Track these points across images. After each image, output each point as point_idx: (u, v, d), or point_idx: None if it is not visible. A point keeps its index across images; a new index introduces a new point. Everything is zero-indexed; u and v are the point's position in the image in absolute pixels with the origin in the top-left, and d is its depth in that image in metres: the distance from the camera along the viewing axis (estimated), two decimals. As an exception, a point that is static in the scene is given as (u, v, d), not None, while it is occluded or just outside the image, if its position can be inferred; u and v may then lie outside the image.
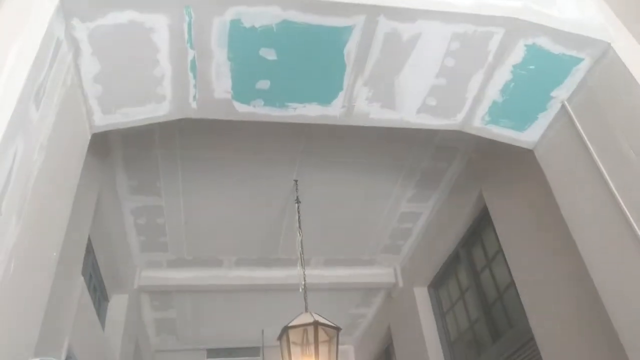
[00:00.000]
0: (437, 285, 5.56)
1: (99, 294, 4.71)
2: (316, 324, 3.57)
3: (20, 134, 1.72)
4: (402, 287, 5.94)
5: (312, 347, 3.53)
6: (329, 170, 4.55)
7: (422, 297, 5.62)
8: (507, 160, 3.92)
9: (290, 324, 3.62)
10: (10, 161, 1.63)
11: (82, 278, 3.19)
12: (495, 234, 4.30)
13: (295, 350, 3.64)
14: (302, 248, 4.15)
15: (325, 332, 3.74)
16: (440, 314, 5.46)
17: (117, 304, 4.98)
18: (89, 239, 4.10)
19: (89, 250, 4.18)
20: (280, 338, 3.74)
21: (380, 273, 6.11)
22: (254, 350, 7.63)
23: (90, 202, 3.46)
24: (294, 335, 3.65)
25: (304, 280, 3.98)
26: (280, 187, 4.66)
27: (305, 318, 3.65)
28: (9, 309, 1.68)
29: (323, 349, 3.64)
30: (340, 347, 8.07)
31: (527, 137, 3.22)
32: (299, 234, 4.23)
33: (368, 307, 6.95)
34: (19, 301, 1.78)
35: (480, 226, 4.59)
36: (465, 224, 4.70)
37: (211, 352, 7.61)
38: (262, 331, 7.21)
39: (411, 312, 5.66)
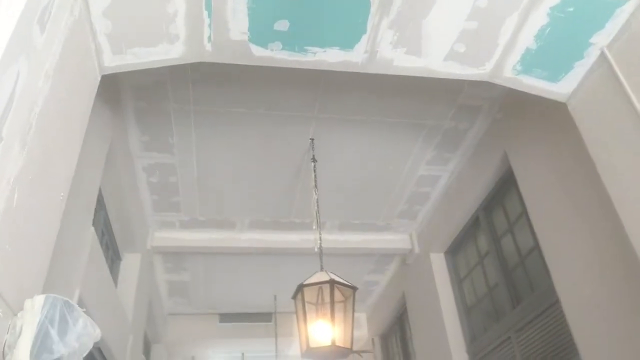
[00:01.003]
0: (454, 251, 5.44)
1: (111, 252, 4.66)
2: (332, 282, 3.47)
3: (24, 56, 1.59)
4: (418, 253, 5.83)
5: (328, 307, 3.44)
6: (346, 129, 4.39)
7: (438, 263, 5.50)
8: (534, 118, 3.74)
9: (306, 282, 3.53)
10: (13, 82, 1.51)
11: (92, 229, 3.11)
12: (519, 196, 4.14)
13: (310, 309, 3.56)
14: (317, 207, 4.04)
15: (341, 292, 3.65)
16: (457, 280, 5.35)
17: (130, 263, 4.94)
18: (101, 195, 4.03)
19: (101, 206, 4.11)
20: (295, 297, 3.66)
21: (396, 239, 6.00)
22: (267, 316, 7.63)
23: (102, 152, 3.36)
24: (309, 294, 3.57)
25: (320, 240, 3.88)
26: (295, 146, 4.52)
27: (321, 276, 3.55)
28: (13, 241, 1.58)
29: (339, 309, 3.55)
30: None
31: (561, 88, 3.03)
32: (314, 193, 4.11)
33: (382, 274, 6.86)
34: (24, 235, 1.68)
35: (503, 189, 4.43)
36: (487, 187, 4.54)
37: (223, 316, 7.62)
38: (275, 297, 7.19)
39: (427, 279, 5.56)
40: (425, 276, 5.63)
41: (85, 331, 1.76)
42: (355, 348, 7.35)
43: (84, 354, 1.79)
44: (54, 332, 1.61)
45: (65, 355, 1.63)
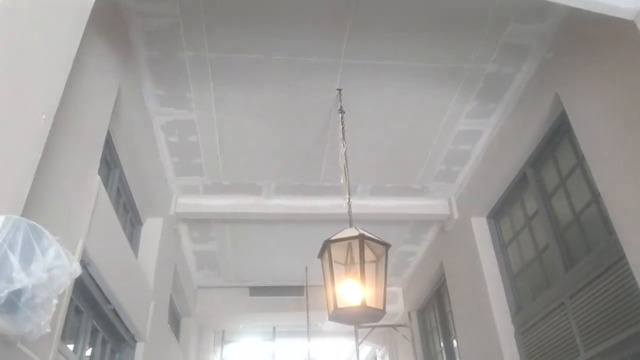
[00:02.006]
0: (497, 214, 4.99)
1: (130, 215, 4.44)
2: (362, 237, 3.12)
3: None
4: (458, 219, 5.40)
5: (358, 267, 3.09)
6: (376, 77, 3.99)
7: (480, 228, 5.06)
8: (591, 51, 3.26)
9: (333, 238, 3.19)
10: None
11: (98, 178, 2.86)
12: (573, 145, 3.69)
13: (339, 269, 3.22)
14: (346, 161, 3.68)
15: (372, 250, 3.29)
16: (501, 246, 4.91)
17: (152, 228, 4.72)
18: (115, 152, 3.80)
19: (116, 163, 3.88)
20: (321, 255, 3.33)
21: (433, 204, 5.58)
22: (298, 290, 7.36)
23: (108, 97, 3.09)
24: (336, 252, 3.22)
25: (349, 194, 3.52)
26: (322, 98, 4.16)
27: (350, 232, 3.20)
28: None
29: (370, 268, 3.19)
30: (388, 289, 7.71)
31: (629, 2, 2.55)
32: (342, 145, 3.75)
33: (417, 244, 6.47)
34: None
35: (554, 140, 3.96)
36: (536, 139, 4.07)
37: (254, 290, 7.40)
38: (306, 269, 6.91)
39: (468, 246, 5.14)
40: (465, 243, 5.21)
41: (57, 263, 1.48)
42: (390, 322, 7.03)
43: (59, 291, 1.51)
44: (14, 259, 1.33)
45: (30, 287, 1.35)
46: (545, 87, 3.79)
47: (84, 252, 2.71)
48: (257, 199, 5.38)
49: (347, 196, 3.52)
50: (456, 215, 5.42)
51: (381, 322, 6.76)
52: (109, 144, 3.69)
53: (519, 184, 4.52)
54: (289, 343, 8.01)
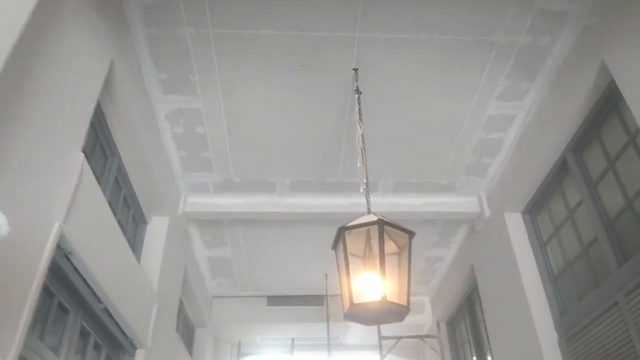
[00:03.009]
0: (534, 209, 4.51)
1: (133, 212, 4.13)
2: (382, 223, 2.71)
3: None
4: (489, 217, 4.93)
5: (377, 258, 2.67)
6: (396, 53, 3.62)
7: (515, 225, 4.58)
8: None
9: (348, 225, 2.80)
10: None
11: (82, 156, 2.54)
12: (623, 120, 3.24)
13: (355, 261, 2.81)
14: (363, 143, 3.30)
15: (394, 238, 2.87)
16: (539, 244, 4.41)
17: (157, 227, 4.40)
18: (112, 139, 3.50)
19: (113, 152, 3.57)
20: (335, 247, 2.93)
21: (462, 202, 5.13)
22: (318, 299, 6.94)
23: (97, 69, 2.79)
24: (353, 241, 2.81)
25: (366, 178, 3.13)
26: (336, 81, 3.81)
27: (368, 218, 2.80)
28: None
29: (391, 260, 2.78)
30: (413, 298, 7.24)
31: None
32: (359, 127, 3.37)
33: (446, 247, 5.99)
34: None
35: (599, 118, 3.51)
36: (577, 119, 3.62)
37: (272, 299, 7.01)
38: (326, 276, 6.48)
39: (501, 246, 4.66)
40: (499, 243, 4.73)
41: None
42: (418, 333, 6.52)
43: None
44: None
45: None
46: (588, 57, 3.35)
47: (63, 238, 2.38)
48: (271, 198, 5.02)
49: (365, 180, 3.13)
50: (487, 213, 4.95)
51: (408, 333, 6.29)
52: (104, 131, 3.40)
53: (559, 173, 4.05)
54: (308, 356, 7.55)
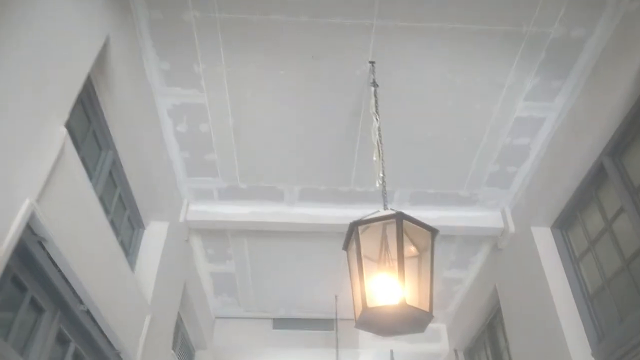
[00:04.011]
0: (564, 223, 4.12)
1: (129, 214, 3.83)
2: (400, 217, 2.37)
3: None
4: (515, 232, 4.54)
5: (395, 257, 2.32)
6: (416, 46, 3.35)
7: (544, 241, 4.19)
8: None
9: (362, 219, 2.46)
10: None
11: (65, 131, 2.26)
12: (672, 114, 2.88)
13: (370, 261, 2.47)
14: (380, 136, 2.99)
15: (414, 241, 2.53)
16: (572, 260, 4.01)
17: (155, 233, 4.09)
18: (107, 128, 3.24)
19: (108, 143, 3.30)
20: (346, 245, 2.59)
21: (484, 216, 4.75)
22: (327, 323, 6.49)
23: (89, 43, 2.54)
24: (366, 243, 2.47)
25: (382, 172, 2.81)
26: (351, 77, 3.54)
27: (384, 213, 2.47)
28: None
29: (411, 260, 2.43)
30: (429, 325, 6.77)
31: None
32: (375, 120, 3.07)
33: (466, 268, 5.57)
34: None
35: (641, 116, 3.17)
36: (616, 117, 3.28)
37: (278, 322, 6.57)
38: (335, 297, 6.08)
39: (529, 264, 4.26)
40: (526, 261, 4.33)
41: None
42: (434, 362, 6.04)
43: None
44: None
45: None
46: (627, 50, 3.04)
47: (36, 220, 2.08)
48: (279, 207, 4.70)
49: (381, 175, 2.80)
50: (512, 228, 4.57)
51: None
52: (99, 119, 3.14)
53: (594, 180, 3.68)
54: (316, 386, 7.05)
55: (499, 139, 4.04)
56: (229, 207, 4.68)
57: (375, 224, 2.47)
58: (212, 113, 3.83)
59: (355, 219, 4.58)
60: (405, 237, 2.44)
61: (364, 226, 2.45)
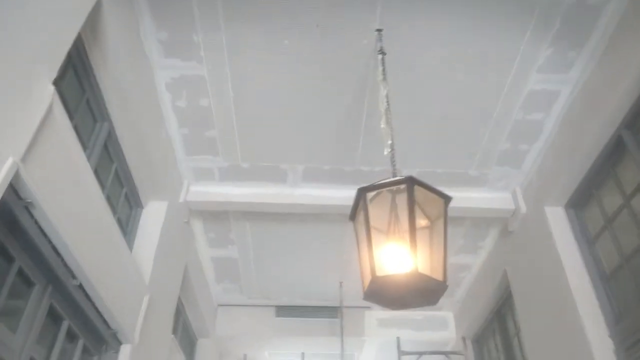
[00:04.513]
0: (578, 202, 3.96)
1: (126, 191, 3.69)
2: (411, 182, 2.23)
3: None
4: (526, 213, 4.38)
5: (406, 224, 2.18)
6: (425, 11, 3.18)
7: (558, 221, 4.03)
8: None
9: (370, 185, 2.31)
10: None
11: (52, 88, 2.11)
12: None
13: (379, 229, 2.32)
14: (388, 103, 2.83)
15: (425, 210, 2.38)
16: (587, 240, 3.85)
17: (154, 213, 3.95)
18: (103, 102, 3.09)
19: (103, 117, 3.16)
20: (353, 215, 2.45)
21: (494, 197, 4.59)
22: (331, 311, 6.36)
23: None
24: (375, 212, 2.32)
25: (391, 139, 2.66)
26: (357, 48, 3.38)
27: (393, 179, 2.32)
28: None
29: (424, 227, 2.28)
30: (434, 312, 6.62)
31: None
32: (383, 88, 2.91)
33: (475, 253, 5.42)
34: None
35: (665, 82, 3.00)
36: (636, 88, 3.11)
37: (281, 309, 6.44)
38: (340, 284, 5.94)
39: (542, 246, 4.10)
40: (538, 243, 4.18)
41: None
42: (441, 347, 5.91)
43: None
44: None
45: None
46: (651, 11, 2.88)
47: (21, 182, 1.93)
48: (282, 188, 4.55)
49: (390, 142, 2.65)
50: (524, 209, 4.41)
51: (431, 348, 5.69)
52: (93, 89, 3.00)
53: (611, 155, 3.52)
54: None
55: (511, 115, 3.87)
56: (230, 188, 4.53)
57: (385, 192, 2.32)
58: (212, 86, 3.68)
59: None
60: (417, 199, 2.29)
61: (372, 193, 2.29)
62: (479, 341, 6.01)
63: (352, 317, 6.29)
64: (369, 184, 4.40)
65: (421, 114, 3.89)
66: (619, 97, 3.23)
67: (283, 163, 4.35)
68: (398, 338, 5.59)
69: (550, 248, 3.96)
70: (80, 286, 2.61)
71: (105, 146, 3.26)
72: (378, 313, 6.48)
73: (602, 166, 3.62)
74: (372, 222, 2.35)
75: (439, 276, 2.10)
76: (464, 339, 5.77)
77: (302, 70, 3.57)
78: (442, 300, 6.36)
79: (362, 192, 2.31)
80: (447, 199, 2.34)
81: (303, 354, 6.25)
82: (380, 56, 3.16)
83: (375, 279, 2.06)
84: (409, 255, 2.06)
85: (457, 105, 3.81)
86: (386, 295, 2.15)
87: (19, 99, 1.93)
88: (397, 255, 2.13)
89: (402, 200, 2.30)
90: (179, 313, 5.26)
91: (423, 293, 2.11)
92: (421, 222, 2.37)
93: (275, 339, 6.47)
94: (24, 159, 1.93)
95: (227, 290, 6.20)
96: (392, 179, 2.28)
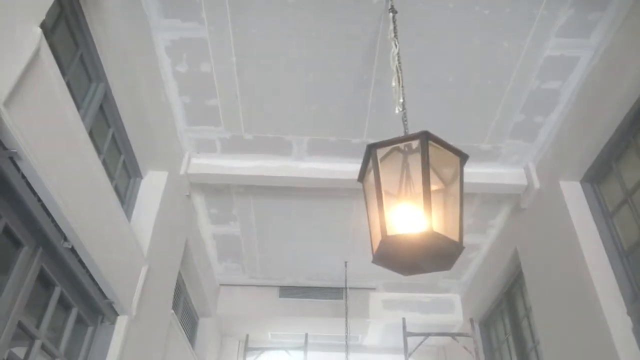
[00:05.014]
0: (596, 176, 3.80)
1: (125, 159, 3.55)
2: (426, 136, 2.07)
3: None
4: (540, 189, 4.22)
5: (419, 181, 2.02)
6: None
7: (574, 196, 3.86)
8: None
9: (382, 141, 2.16)
10: None
11: (39, 31, 1.95)
12: None
13: (390, 188, 2.16)
14: (399, 62, 2.66)
15: (438, 171, 2.21)
16: (604, 215, 3.69)
17: (154, 183, 3.81)
18: (99, 60, 2.93)
19: (100, 77, 3.01)
20: (362, 176, 2.29)
21: (506, 173, 4.42)
22: (336, 292, 6.24)
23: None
24: (386, 176, 2.15)
25: (402, 98, 2.49)
26: (366, 9, 3.20)
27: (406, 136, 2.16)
28: None
29: (437, 194, 2.12)
30: (441, 295, 6.48)
31: None
32: (394, 45, 2.74)
33: (484, 232, 5.26)
34: None
35: (695, 43, 2.81)
36: (663, 49, 2.93)
37: (284, 290, 6.32)
38: (345, 264, 5.80)
39: (557, 222, 3.95)
40: (553, 219, 4.02)
41: None
42: (448, 330, 5.77)
43: None
44: None
45: None
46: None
47: (4, 129, 1.79)
48: (286, 161, 4.40)
49: (401, 100, 2.49)
50: (537, 185, 4.24)
51: (437, 331, 5.56)
52: (89, 48, 2.85)
53: (633, 124, 3.34)
54: (323, 357, 6.81)
55: (526, 83, 3.69)
56: (232, 161, 4.38)
57: (397, 150, 2.16)
58: (214, 50, 3.51)
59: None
60: (432, 157, 2.13)
61: (383, 149, 2.13)
62: (487, 324, 5.87)
63: (356, 299, 6.17)
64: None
65: (433, 81, 3.71)
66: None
67: (288, 134, 4.19)
68: (404, 319, 5.45)
69: (566, 224, 3.80)
70: (73, 250, 2.47)
71: (102, 109, 3.11)
72: (383, 295, 6.36)
73: (623, 136, 3.44)
74: (383, 181, 2.19)
75: (454, 237, 1.94)
76: (471, 320, 5.63)
77: (309, 34, 3.40)
78: (449, 283, 6.24)
79: (372, 149, 2.15)
80: (463, 157, 2.18)
81: (306, 335, 6.12)
82: (391, 14, 2.98)
83: (386, 239, 1.91)
84: (423, 214, 1.90)
85: (471, 73, 3.64)
86: (397, 257, 2.00)
87: (3, 40, 1.77)
88: (410, 215, 1.97)
89: (415, 158, 2.14)
90: (180, 291, 5.15)
91: (437, 255, 1.95)
92: (436, 180, 2.21)
93: (278, 319, 6.36)
94: (7, 103, 1.78)
95: (230, 269, 6.08)
96: (405, 135, 2.11)
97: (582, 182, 3.89)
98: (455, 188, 2.15)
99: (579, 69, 3.57)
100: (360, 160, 4.34)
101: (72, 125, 2.36)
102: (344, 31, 3.38)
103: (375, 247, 2.00)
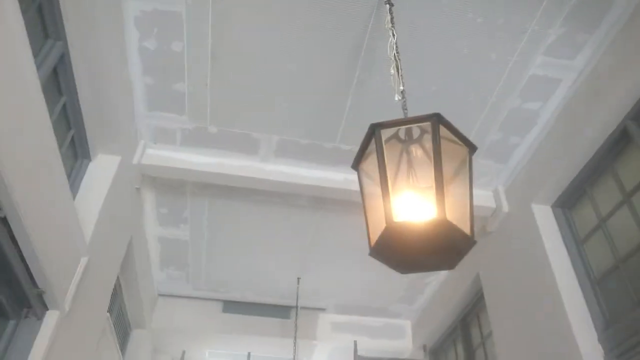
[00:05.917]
0: (567, 201, 3.76)
1: (74, 135, 3.14)
2: (437, 119, 1.87)
3: None
4: (508, 212, 4.14)
5: (431, 165, 1.81)
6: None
7: (545, 220, 3.80)
8: None
9: (387, 121, 1.93)
10: None
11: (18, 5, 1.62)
12: None
13: (394, 183, 1.92)
14: (397, 51, 2.48)
15: (447, 161, 2.00)
16: (576, 241, 3.63)
17: (102, 167, 3.40)
18: (62, 24, 2.57)
19: (59, 35, 2.63)
20: (358, 161, 2.05)
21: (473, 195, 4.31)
22: (285, 310, 5.89)
23: None
24: (390, 153, 1.93)
25: (402, 85, 2.30)
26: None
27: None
28: None
29: (450, 172, 1.91)
30: (391, 320, 6.25)
31: None
32: (392, 35, 2.56)
33: (444, 255, 5.11)
34: None
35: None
36: (650, 74, 2.94)
37: (228, 305, 5.89)
38: (298, 280, 5.49)
39: (526, 246, 3.87)
40: (522, 243, 3.94)
41: None
42: (397, 356, 5.55)
43: None
44: None
45: None
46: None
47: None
48: (251, 161, 4.10)
49: (401, 88, 2.29)
50: (506, 208, 4.17)
51: (387, 357, 5.33)
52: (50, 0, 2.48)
53: (612, 149, 3.33)
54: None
55: (508, 100, 3.63)
56: (192, 155, 4.03)
57: (401, 134, 1.95)
58: (189, 28, 3.21)
59: (335, 183, 4.06)
60: (443, 142, 1.92)
61: (388, 130, 1.91)
62: (436, 353, 5.70)
63: (305, 319, 5.83)
64: (347, 164, 4.03)
65: (414, 91, 3.53)
66: (627, 86, 3.07)
67: (256, 131, 3.90)
68: (355, 342, 5.19)
69: (538, 249, 3.71)
70: (5, 221, 2.05)
71: (55, 72, 2.72)
72: (333, 317, 6.07)
73: (600, 161, 3.42)
74: (388, 163, 1.94)
75: (466, 229, 1.73)
76: (424, 346, 5.44)
77: (293, 22, 3.18)
78: (401, 307, 6.03)
79: (376, 129, 1.92)
80: (472, 147, 1.99)
81: (249, 354, 5.70)
82: (387, 6, 2.82)
83: (391, 226, 1.67)
84: (436, 201, 1.68)
85: (455, 83, 3.53)
86: (400, 250, 1.76)
87: None
88: (419, 203, 1.75)
89: (420, 144, 1.94)
90: (116, 296, 4.64)
91: (446, 249, 1.73)
92: (445, 169, 2.00)
93: (219, 336, 5.90)
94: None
95: (172, 277, 5.60)
96: (415, 116, 1.91)
97: (553, 207, 3.84)
98: (463, 179, 1.95)
99: (559, 92, 3.55)
100: (329, 167, 4.15)
101: (25, 75, 1.98)
102: (332, 22, 3.18)
103: (375, 237, 1.75)
